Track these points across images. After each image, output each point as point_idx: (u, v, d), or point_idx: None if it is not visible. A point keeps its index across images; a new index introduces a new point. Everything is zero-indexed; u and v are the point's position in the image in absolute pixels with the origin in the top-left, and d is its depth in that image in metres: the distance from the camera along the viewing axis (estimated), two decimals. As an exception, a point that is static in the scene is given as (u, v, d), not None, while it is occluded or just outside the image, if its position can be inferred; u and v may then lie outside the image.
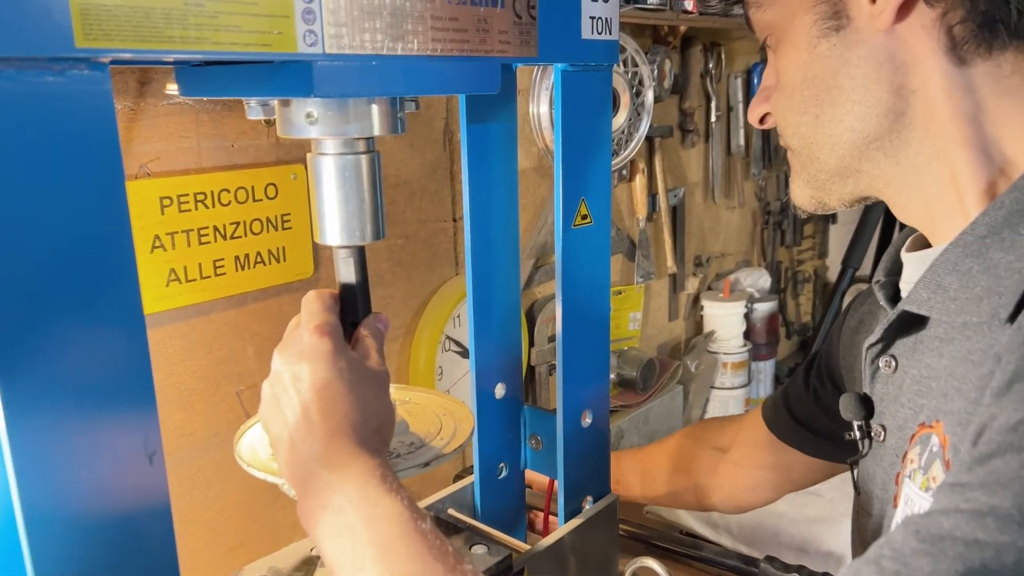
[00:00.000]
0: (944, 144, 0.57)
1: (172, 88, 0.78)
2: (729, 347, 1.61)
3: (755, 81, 1.72)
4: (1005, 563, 0.39)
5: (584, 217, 0.73)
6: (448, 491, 0.83)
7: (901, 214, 0.62)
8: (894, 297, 0.65)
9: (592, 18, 0.68)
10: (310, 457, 0.52)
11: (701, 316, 1.67)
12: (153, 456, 0.46)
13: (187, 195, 0.82)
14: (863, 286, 1.77)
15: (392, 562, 0.49)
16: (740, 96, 1.69)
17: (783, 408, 0.91)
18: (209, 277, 0.86)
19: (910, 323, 0.60)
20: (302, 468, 0.53)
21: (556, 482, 0.81)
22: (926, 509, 0.45)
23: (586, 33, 0.67)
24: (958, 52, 0.55)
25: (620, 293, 1.46)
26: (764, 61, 1.78)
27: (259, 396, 0.91)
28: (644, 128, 1.35)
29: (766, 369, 1.73)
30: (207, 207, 0.84)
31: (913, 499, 0.55)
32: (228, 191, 0.86)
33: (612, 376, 1.38)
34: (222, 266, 0.86)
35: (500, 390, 0.81)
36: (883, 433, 0.63)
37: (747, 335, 1.66)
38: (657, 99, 1.40)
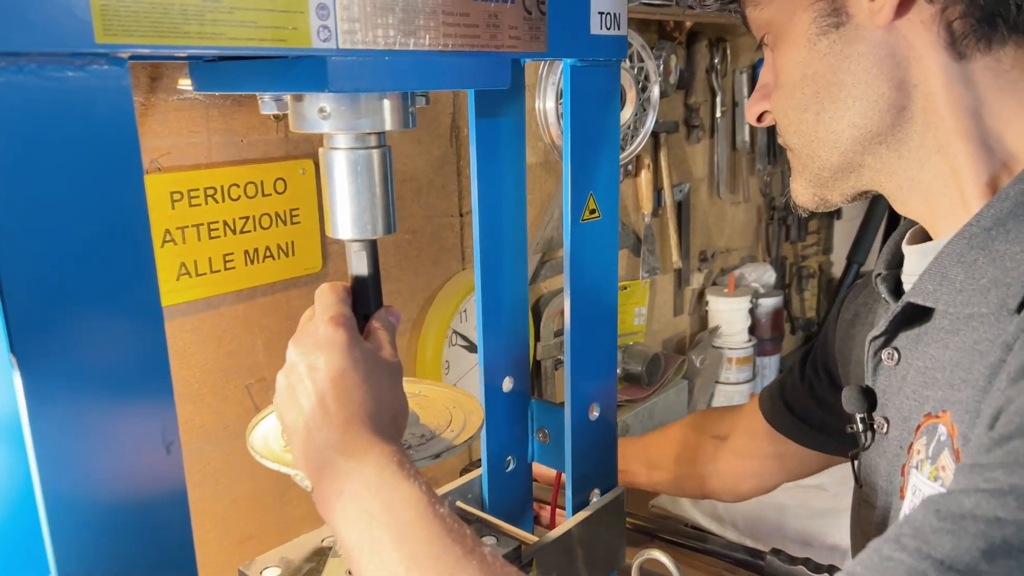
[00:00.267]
0: (945, 138, 0.57)
1: (184, 83, 0.78)
2: (734, 342, 1.62)
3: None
4: None
5: (592, 211, 0.74)
6: (456, 484, 0.84)
7: (902, 208, 0.63)
8: (896, 290, 0.66)
9: (601, 13, 0.68)
10: (327, 445, 0.53)
11: (706, 311, 1.68)
12: (170, 446, 0.46)
13: (197, 190, 0.83)
14: (868, 281, 1.78)
15: (410, 545, 0.49)
16: (745, 91, 1.69)
17: (779, 400, 0.92)
18: (219, 271, 0.86)
19: (914, 315, 0.60)
20: (318, 456, 0.53)
21: (563, 475, 0.82)
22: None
23: (595, 28, 0.68)
24: (958, 47, 0.55)
25: (625, 288, 1.47)
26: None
27: (269, 389, 0.93)
28: (650, 123, 1.35)
29: (771, 364, 1.73)
30: (217, 202, 0.85)
31: (921, 489, 0.56)
32: (238, 186, 0.86)
33: (617, 371, 1.39)
34: (231, 260, 0.87)
35: (508, 384, 0.82)
36: (886, 425, 0.63)
37: (752, 330, 1.67)
38: (663, 94, 1.40)
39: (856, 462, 0.70)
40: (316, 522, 0.73)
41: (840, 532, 1.15)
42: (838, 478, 1.26)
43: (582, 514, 0.78)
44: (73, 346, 0.41)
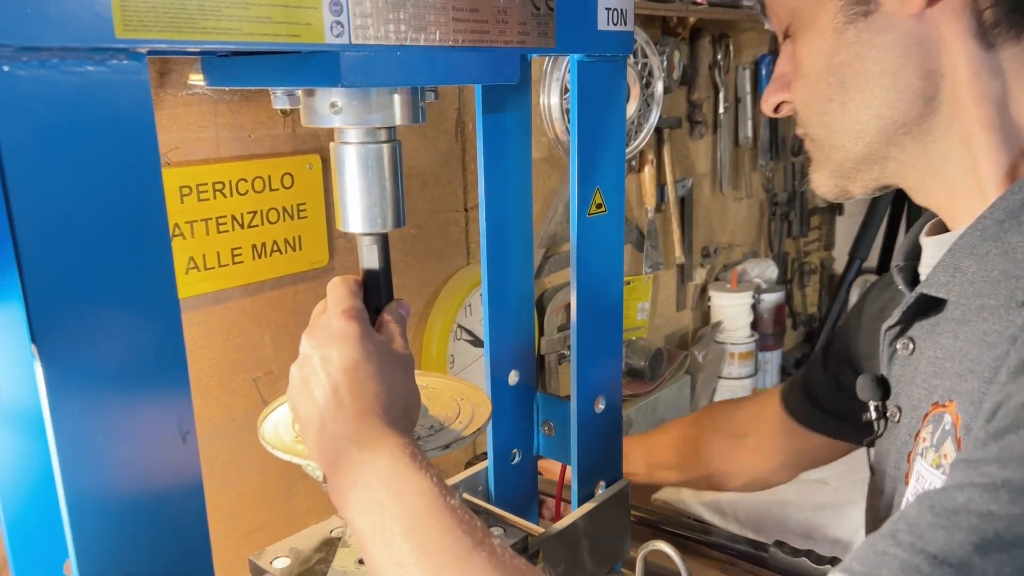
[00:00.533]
0: (970, 128, 0.57)
1: (195, 79, 0.79)
2: (736, 337, 1.63)
3: (763, 72, 1.73)
4: (1018, 533, 0.40)
5: (599, 206, 0.74)
6: (462, 476, 0.85)
7: (923, 199, 0.63)
8: (913, 281, 0.66)
9: (608, 9, 0.69)
10: (341, 436, 0.54)
11: (708, 306, 1.69)
12: (186, 435, 0.47)
13: (206, 184, 0.84)
14: (870, 277, 1.78)
15: (420, 536, 0.50)
16: (748, 87, 1.70)
17: (804, 395, 0.92)
18: (227, 265, 0.87)
19: (928, 306, 0.61)
20: (332, 447, 0.54)
21: (568, 468, 0.82)
22: (939, 485, 0.46)
23: (602, 24, 0.68)
24: (987, 36, 0.55)
25: (629, 283, 1.47)
26: (774, 52, 1.79)
27: (276, 382, 0.93)
28: (654, 119, 1.36)
29: (772, 359, 1.74)
30: (225, 196, 0.86)
31: (924, 476, 0.56)
32: (246, 180, 0.87)
33: (620, 365, 1.40)
34: (239, 254, 0.88)
35: (513, 377, 0.83)
36: (898, 414, 0.64)
37: (754, 326, 1.67)
38: (666, 90, 1.40)
39: (871, 450, 0.71)
40: (323, 514, 0.74)
41: (842, 525, 1.16)
42: (840, 472, 1.27)
43: (587, 506, 0.78)
44: (93, 336, 0.42)
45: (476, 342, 1.15)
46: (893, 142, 0.59)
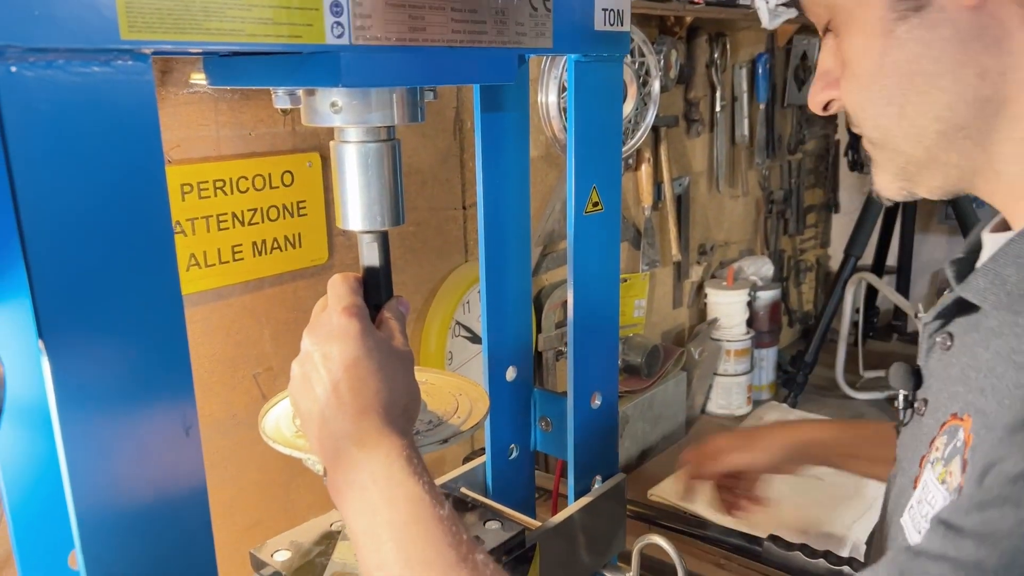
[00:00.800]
0: None
1: (197, 78, 0.79)
2: (732, 334, 1.64)
3: (759, 71, 1.74)
4: None
5: (595, 204, 0.75)
6: (460, 471, 0.86)
7: (989, 197, 0.59)
8: (966, 275, 0.62)
9: (605, 10, 0.69)
10: (341, 433, 0.54)
11: (705, 304, 1.69)
12: (189, 430, 0.48)
13: (206, 182, 0.84)
14: (865, 274, 1.79)
15: (408, 545, 0.51)
16: (744, 86, 1.71)
17: None
18: (227, 262, 0.88)
19: (968, 307, 0.57)
20: (333, 444, 0.55)
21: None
22: (940, 502, 0.46)
23: (599, 24, 0.69)
24: None
25: (625, 281, 1.48)
26: (771, 50, 1.80)
27: (276, 378, 0.94)
28: (650, 118, 1.37)
29: (768, 356, 1.75)
30: (226, 194, 0.86)
31: (929, 487, 0.55)
32: (246, 178, 0.88)
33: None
34: (240, 252, 0.89)
35: (511, 373, 0.84)
36: (924, 408, 0.61)
37: (750, 323, 1.68)
38: (663, 89, 1.41)
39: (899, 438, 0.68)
40: (322, 509, 0.75)
41: (835, 521, 1.17)
42: (837, 471, 1.28)
43: (584, 500, 0.80)
44: (99, 333, 0.43)
45: (474, 338, 1.16)
46: (954, 146, 0.55)
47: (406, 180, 1.06)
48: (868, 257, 1.92)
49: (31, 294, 0.41)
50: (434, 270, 1.13)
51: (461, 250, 1.16)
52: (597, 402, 0.81)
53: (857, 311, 1.89)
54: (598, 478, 0.83)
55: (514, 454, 0.87)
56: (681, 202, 1.62)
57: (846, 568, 0.94)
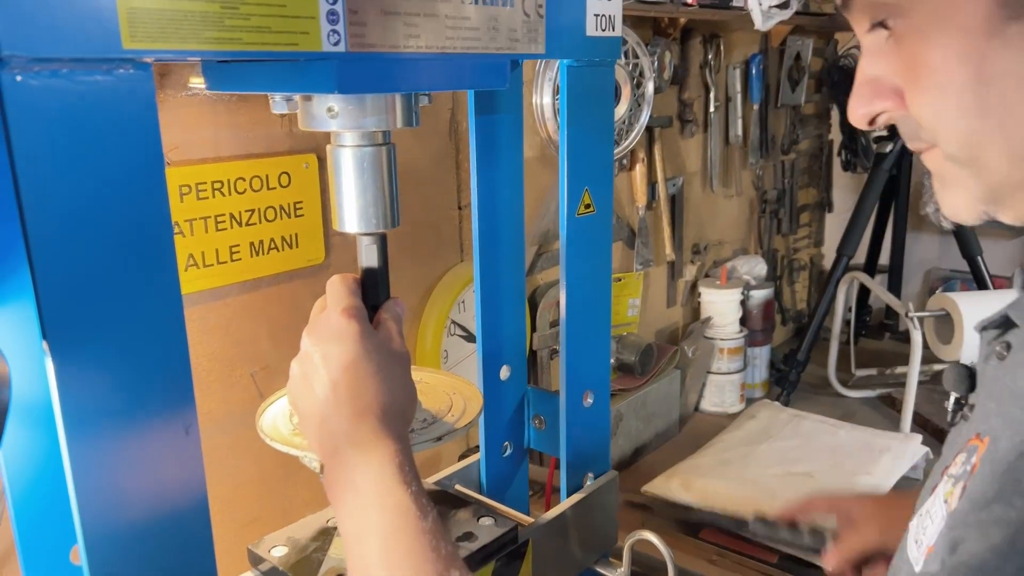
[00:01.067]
0: None
1: (196, 81, 0.80)
2: (725, 333, 1.65)
3: (752, 72, 1.75)
4: None
5: (587, 206, 0.77)
6: (455, 468, 0.87)
7: None
8: None
9: (597, 15, 0.71)
10: (340, 433, 0.56)
11: (698, 303, 1.71)
12: (189, 428, 0.49)
13: (205, 183, 0.86)
14: (858, 274, 1.81)
15: (390, 554, 0.53)
16: (738, 87, 1.72)
17: None
18: (225, 262, 0.89)
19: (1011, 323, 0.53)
20: (331, 443, 0.56)
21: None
22: (939, 522, 0.45)
23: (591, 30, 0.71)
24: None
25: (620, 280, 1.50)
26: (764, 51, 1.81)
27: (273, 377, 0.95)
28: (644, 118, 1.38)
29: (761, 355, 1.76)
30: (224, 195, 0.88)
31: (936, 501, 0.52)
32: (244, 179, 0.89)
33: (611, 360, 1.42)
34: (238, 252, 0.90)
35: (505, 372, 0.85)
36: (969, 414, 0.56)
37: (743, 321, 1.70)
38: (657, 90, 1.43)
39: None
40: (318, 505, 0.77)
41: (826, 517, 1.18)
42: (825, 465, 1.30)
43: (576, 497, 0.81)
44: (101, 333, 0.44)
45: (469, 337, 1.17)
46: None
47: (402, 180, 1.06)
48: (860, 256, 1.94)
49: (35, 297, 0.42)
50: (430, 269, 1.14)
51: (457, 250, 1.18)
52: (589, 401, 0.82)
53: (849, 310, 1.91)
54: (590, 475, 0.84)
55: (508, 452, 0.88)
56: (675, 202, 1.63)
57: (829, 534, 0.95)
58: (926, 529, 0.51)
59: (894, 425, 1.49)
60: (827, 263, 2.24)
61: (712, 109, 1.67)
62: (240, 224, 0.89)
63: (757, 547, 1.09)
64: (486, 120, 0.76)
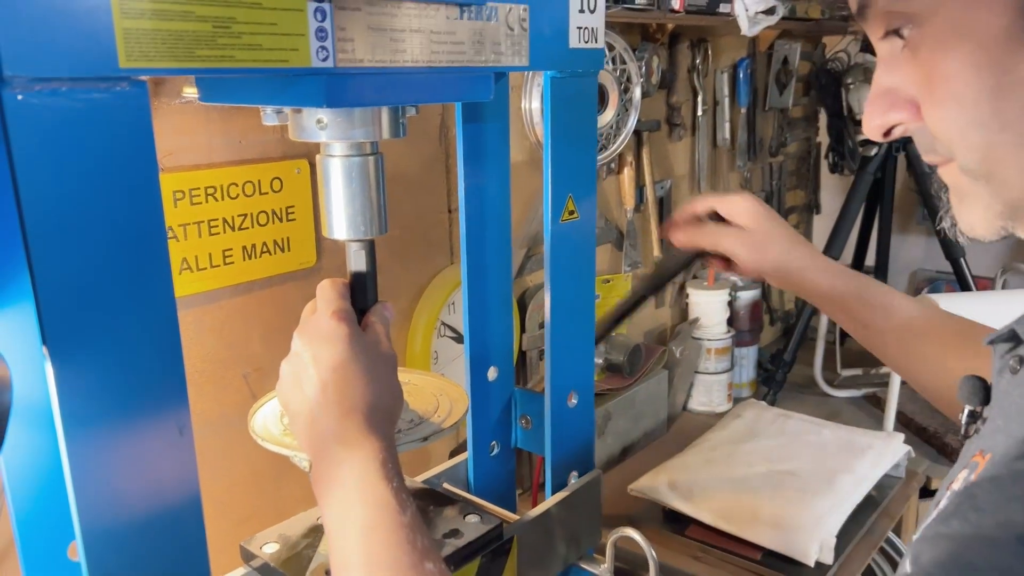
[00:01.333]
0: None
1: (189, 91, 0.82)
2: (713, 334, 1.67)
3: (740, 75, 1.78)
4: None
5: (571, 212, 0.79)
6: (443, 467, 0.89)
7: None
8: None
9: (580, 28, 0.73)
10: (327, 431, 0.58)
11: (686, 304, 1.73)
12: (183, 429, 0.51)
13: (198, 189, 0.87)
14: (843, 275, 1.83)
15: (368, 545, 0.55)
16: (726, 91, 1.75)
17: None
18: (218, 266, 0.91)
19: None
20: (319, 441, 0.58)
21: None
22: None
23: (574, 42, 0.73)
24: None
25: (608, 282, 1.52)
26: (752, 55, 1.83)
27: (265, 378, 0.97)
28: (632, 123, 1.40)
29: (749, 355, 1.79)
30: (217, 200, 0.89)
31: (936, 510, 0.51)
32: (236, 185, 0.91)
33: (600, 361, 1.44)
34: (230, 256, 0.92)
35: (492, 373, 0.87)
36: (981, 427, 0.55)
37: (731, 322, 1.72)
38: (645, 94, 1.45)
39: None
40: (310, 503, 0.78)
41: (810, 515, 1.21)
42: (809, 463, 1.32)
43: (561, 495, 0.83)
44: (99, 338, 0.46)
45: (459, 338, 1.19)
46: None
47: (392, 185, 1.08)
48: (847, 258, 1.97)
49: (35, 303, 0.44)
50: (420, 272, 1.16)
51: (447, 253, 1.20)
52: (574, 401, 0.84)
53: (836, 311, 1.93)
54: (575, 474, 0.87)
55: (495, 451, 0.90)
56: (663, 205, 1.65)
57: None
58: None
59: (878, 424, 1.52)
60: (815, 264, 2.26)
61: (700, 113, 1.70)
62: (233, 228, 0.91)
63: (741, 544, 1.11)
64: (473, 128, 0.79)
